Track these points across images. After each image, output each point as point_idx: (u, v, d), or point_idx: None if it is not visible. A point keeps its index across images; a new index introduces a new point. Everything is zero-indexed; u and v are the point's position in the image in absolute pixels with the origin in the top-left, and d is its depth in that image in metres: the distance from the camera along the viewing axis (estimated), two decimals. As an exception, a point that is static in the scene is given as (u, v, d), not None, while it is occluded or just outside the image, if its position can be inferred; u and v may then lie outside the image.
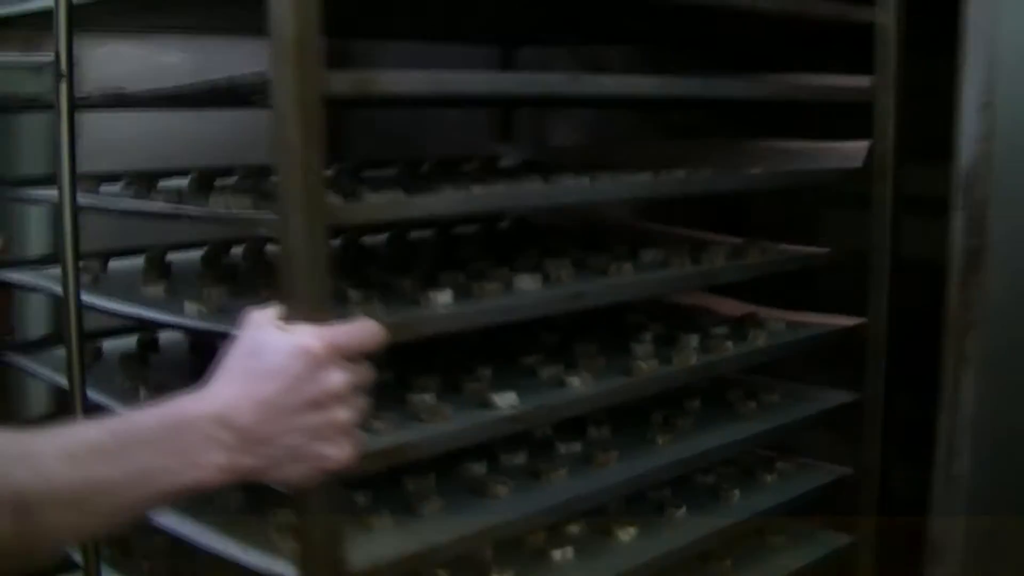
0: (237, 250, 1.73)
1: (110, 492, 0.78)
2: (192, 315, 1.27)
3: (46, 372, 1.59)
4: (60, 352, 1.47)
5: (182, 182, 1.59)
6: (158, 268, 1.57)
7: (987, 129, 1.48)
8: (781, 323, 1.73)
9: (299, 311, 0.96)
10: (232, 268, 1.62)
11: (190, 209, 1.29)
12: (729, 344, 1.59)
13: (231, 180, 1.64)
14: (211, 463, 0.83)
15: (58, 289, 1.40)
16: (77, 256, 1.38)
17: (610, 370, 1.47)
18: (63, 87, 1.34)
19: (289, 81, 0.97)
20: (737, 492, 1.64)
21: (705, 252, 1.62)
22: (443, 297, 1.30)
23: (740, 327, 1.68)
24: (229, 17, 1.53)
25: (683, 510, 1.57)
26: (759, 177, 1.67)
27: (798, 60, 1.75)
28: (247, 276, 1.52)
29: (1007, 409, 1.44)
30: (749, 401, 1.69)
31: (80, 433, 0.80)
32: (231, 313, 1.12)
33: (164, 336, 1.65)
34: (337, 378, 0.88)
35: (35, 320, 1.97)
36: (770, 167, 1.70)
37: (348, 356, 0.90)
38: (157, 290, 1.41)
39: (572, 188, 1.48)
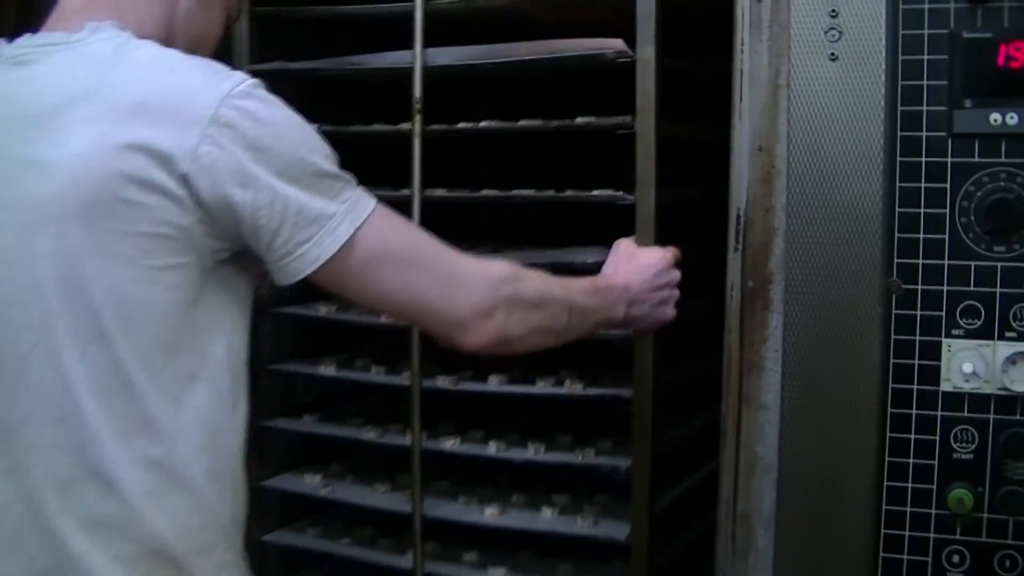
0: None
1: (591, 315, 1.46)
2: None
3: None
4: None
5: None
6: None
7: (763, 173, 1.48)
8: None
9: (644, 242, 1.57)
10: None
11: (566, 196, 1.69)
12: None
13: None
14: (620, 310, 1.49)
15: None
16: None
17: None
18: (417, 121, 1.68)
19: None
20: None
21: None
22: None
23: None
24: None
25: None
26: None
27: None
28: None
29: (803, 450, 1.47)
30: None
31: (582, 282, 1.46)
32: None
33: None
34: (677, 271, 1.56)
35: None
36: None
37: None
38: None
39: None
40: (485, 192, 1.75)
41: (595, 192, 1.62)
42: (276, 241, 1.18)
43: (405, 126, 1.70)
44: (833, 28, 1.39)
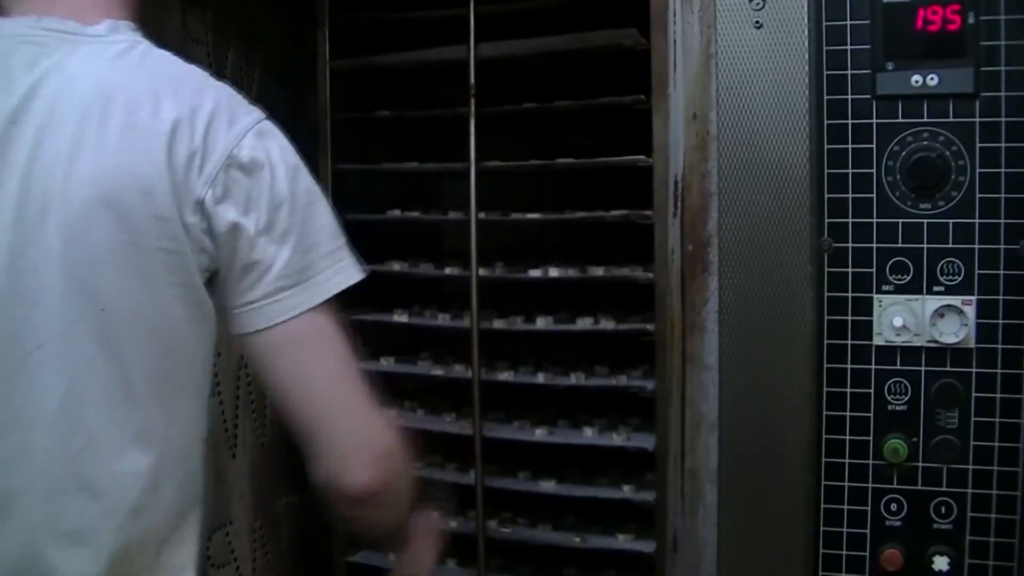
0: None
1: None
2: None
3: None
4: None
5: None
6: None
7: (698, 139, 1.52)
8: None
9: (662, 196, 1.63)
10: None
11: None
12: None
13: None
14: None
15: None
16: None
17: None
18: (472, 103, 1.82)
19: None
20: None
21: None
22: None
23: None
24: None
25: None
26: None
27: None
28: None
29: (744, 407, 1.51)
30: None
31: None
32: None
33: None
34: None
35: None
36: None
37: None
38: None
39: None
40: (532, 162, 1.97)
41: (622, 158, 1.77)
42: (243, 284, 1.19)
43: (463, 109, 1.88)
44: (757, -3, 1.44)
